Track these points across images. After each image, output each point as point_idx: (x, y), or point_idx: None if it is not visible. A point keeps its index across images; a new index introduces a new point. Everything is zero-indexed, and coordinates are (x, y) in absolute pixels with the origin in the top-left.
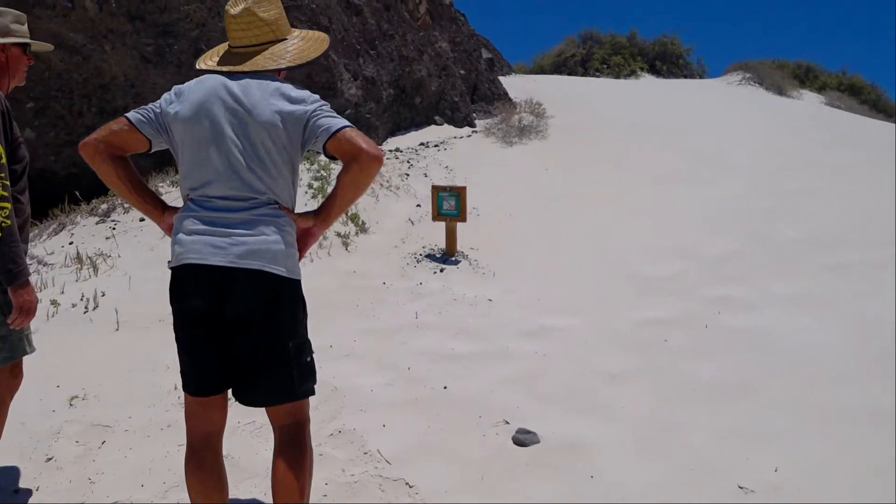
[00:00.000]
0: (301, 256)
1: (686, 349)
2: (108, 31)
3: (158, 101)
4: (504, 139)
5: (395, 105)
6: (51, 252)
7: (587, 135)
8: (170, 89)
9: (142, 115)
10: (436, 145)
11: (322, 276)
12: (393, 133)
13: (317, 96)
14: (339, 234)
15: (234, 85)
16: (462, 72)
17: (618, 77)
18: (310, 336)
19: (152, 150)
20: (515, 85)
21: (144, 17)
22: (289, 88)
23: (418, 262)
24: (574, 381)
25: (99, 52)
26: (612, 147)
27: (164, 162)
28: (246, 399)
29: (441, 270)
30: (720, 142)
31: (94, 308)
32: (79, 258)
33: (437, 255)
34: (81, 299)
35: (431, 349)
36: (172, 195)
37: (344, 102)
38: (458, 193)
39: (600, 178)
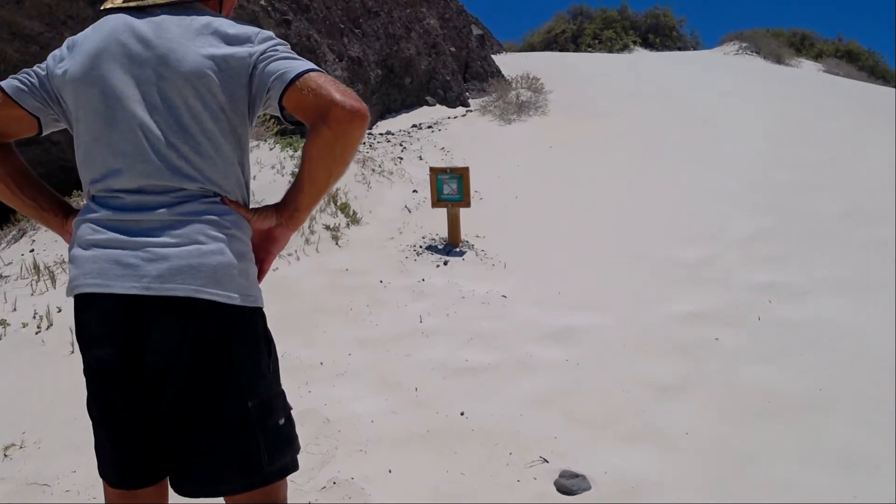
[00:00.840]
0: (262, 272)
1: (742, 350)
2: (68, 18)
3: (46, 60)
4: (502, 117)
5: (383, 86)
6: (8, 262)
7: (589, 109)
8: None
9: (21, 81)
10: (429, 126)
11: (309, 275)
12: (383, 116)
13: (269, 33)
14: (327, 227)
15: (144, 24)
16: (453, 49)
17: (610, 52)
18: (297, 349)
19: (44, 132)
20: (507, 62)
21: None
22: (225, 23)
23: (418, 254)
24: (616, 396)
25: (58, 41)
26: (617, 121)
27: None
28: (190, 488)
29: (445, 263)
30: (728, 112)
31: (48, 327)
32: (36, 268)
33: (440, 247)
34: (34, 317)
35: (441, 361)
36: None
37: None
38: (461, 175)
39: (608, 154)
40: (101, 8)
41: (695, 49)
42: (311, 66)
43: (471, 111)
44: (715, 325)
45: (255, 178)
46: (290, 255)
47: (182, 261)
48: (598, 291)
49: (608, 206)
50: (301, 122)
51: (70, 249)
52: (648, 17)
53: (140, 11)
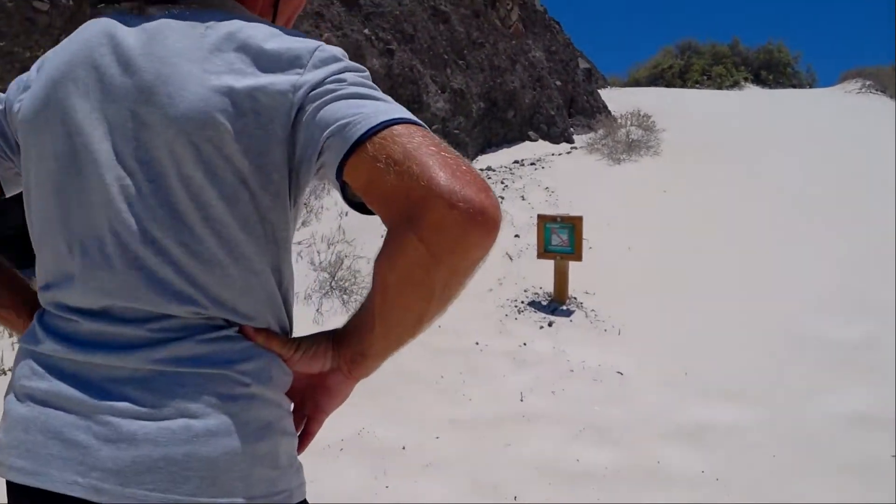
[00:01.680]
0: (307, 438)
1: None
2: None
3: (8, 88)
4: (610, 156)
5: (485, 119)
6: None
7: (705, 150)
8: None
9: None
10: (532, 163)
11: None
12: (483, 150)
13: (335, 50)
14: None
15: (132, 33)
16: (558, 83)
17: (720, 88)
18: (375, 424)
19: (7, 194)
20: (613, 98)
21: None
22: (263, 32)
23: (520, 311)
24: None
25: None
26: (738, 164)
27: None
28: None
29: (550, 324)
30: (864, 158)
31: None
32: None
33: (544, 303)
34: None
35: (547, 459)
36: None
37: (430, 117)
38: (572, 225)
39: (731, 201)
40: (91, 4)
41: (811, 87)
42: (399, 112)
43: (576, 148)
44: (891, 435)
45: (347, 213)
46: None
47: (157, 448)
48: (735, 374)
49: (739, 263)
50: (367, 206)
51: (5, 394)
52: (761, 52)
53: (138, 13)
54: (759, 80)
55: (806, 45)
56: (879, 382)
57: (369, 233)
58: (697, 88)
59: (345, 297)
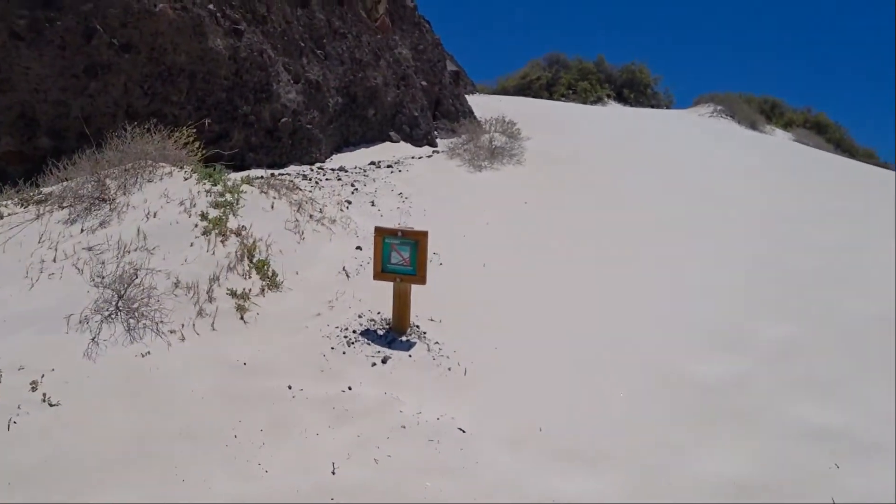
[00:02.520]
0: None
1: None
2: None
3: None
4: (472, 162)
5: (343, 116)
6: None
7: (569, 162)
8: (48, 76)
9: None
10: (389, 166)
11: (192, 370)
12: (339, 149)
13: None
14: (233, 293)
15: None
16: (424, 83)
17: (584, 102)
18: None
19: None
20: (480, 104)
21: None
22: None
23: (350, 343)
24: None
25: None
26: (601, 177)
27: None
28: None
29: (384, 361)
30: (720, 178)
31: None
32: None
33: (380, 332)
34: None
35: None
36: (16, 217)
37: (280, 108)
38: (416, 242)
39: (594, 218)
40: None
41: (668, 107)
42: None
43: (438, 152)
44: None
45: (155, 214)
46: (172, 332)
47: None
48: (595, 426)
49: (599, 290)
50: None
51: None
52: (624, 71)
53: None
54: (622, 98)
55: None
56: (750, 434)
57: (178, 239)
58: (562, 101)
59: (132, 321)
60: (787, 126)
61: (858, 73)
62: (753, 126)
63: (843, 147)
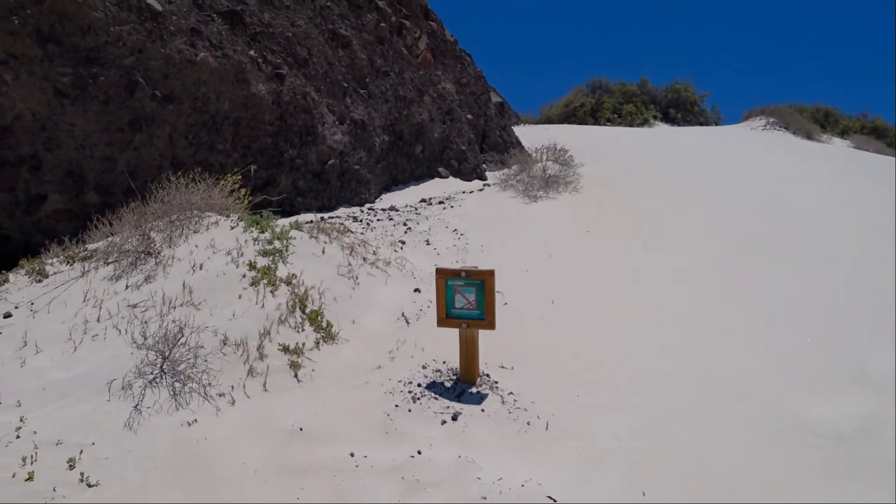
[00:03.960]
0: None
1: None
2: (10, 57)
3: None
4: (526, 192)
5: (390, 154)
6: None
7: (626, 185)
8: (93, 131)
9: None
10: (440, 202)
11: (241, 439)
12: (388, 188)
13: None
14: (285, 349)
15: None
16: (469, 116)
17: (630, 125)
18: None
19: None
20: (526, 134)
21: (60, 40)
22: None
23: (415, 399)
24: None
25: None
26: (662, 198)
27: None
28: None
29: (454, 418)
30: (790, 191)
31: None
32: None
33: (447, 384)
34: None
35: None
36: (62, 276)
37: (327, 150)
38: (482, 282)
39: (662, 241)
40: None
41: (717, 124)
42: None
43: (489, 185)
44: None
45: (201, 266)
46: (220, 395)
47: None
48: (709, 489)
49: (685, 321)
50: None
51: None
52: (669, 91)
53: None
54: (668, 118)
55: (710, 85)
56: (886, 487)
57: (226, 292)
58: (608, 125)
59: (177, 384)
60: (843, 134)
61: None
62: (809, 136)
63: None
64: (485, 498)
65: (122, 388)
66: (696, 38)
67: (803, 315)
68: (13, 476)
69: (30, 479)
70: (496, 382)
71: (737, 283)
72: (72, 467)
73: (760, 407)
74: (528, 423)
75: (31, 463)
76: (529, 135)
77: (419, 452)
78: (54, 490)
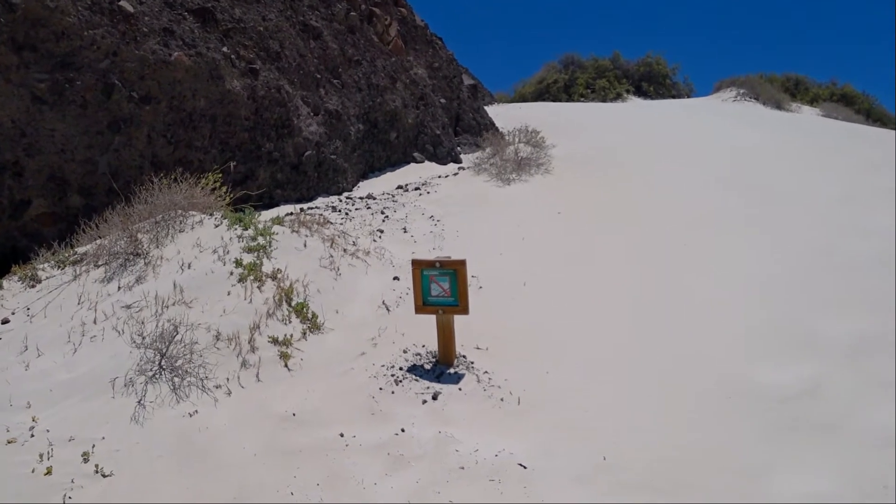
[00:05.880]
0: None
1: None
2: None
3: None
4: (499, 176)
5: (365, 142)
6: None
7: (597, 164)
8: (73, 135)
9: None
10: (416, 188)
11: (240, 427)
12: (365, 175)
13: None
14: (274, 340)
15: None
16: (442, 100)
17: (604, 101)
18: None
19: None
20: (500, 114)
21: (35, 46)
22: None
23: (398, 381)
24: None
25: None
26: (632, 175)
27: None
28: None
29: (434, 397)
30: (755, 165)
31: None
32: None
33: (427, 366)
34: None
35: None
36: (54, 280)
37: (303, 142)
38: (454, 271)
39: (631, 220)
40: None
41: (689, 96)
42: None
43: (463, 168)
44: None
45: (189, 265)
46: (217, 387)
47: None
48: (666, 453)
49: (649, 297)
50: None
51: None
52: (641, 65)
53: None
54: (641, 92)
55: (681, 57)
56: (831, 448)
57: (215, 289)
58: (582, 101)
59: (177, 380)
60: (812, 102)
61: (878, 36)
62: (779, 106)
63: (873, 116)
64: (462, 468)
65: (125, 386)
66: (667, 10)
67: (763, 287)
68: (32, 471)
69: (48, 473)
70: (472, 363)
71: (701, 259)
72: (86, 460)
73: (716, 376)
74: (502, 400)
75: (48, 458)
76: (503, 114)
77: (403, 430)
78: (72, 482)
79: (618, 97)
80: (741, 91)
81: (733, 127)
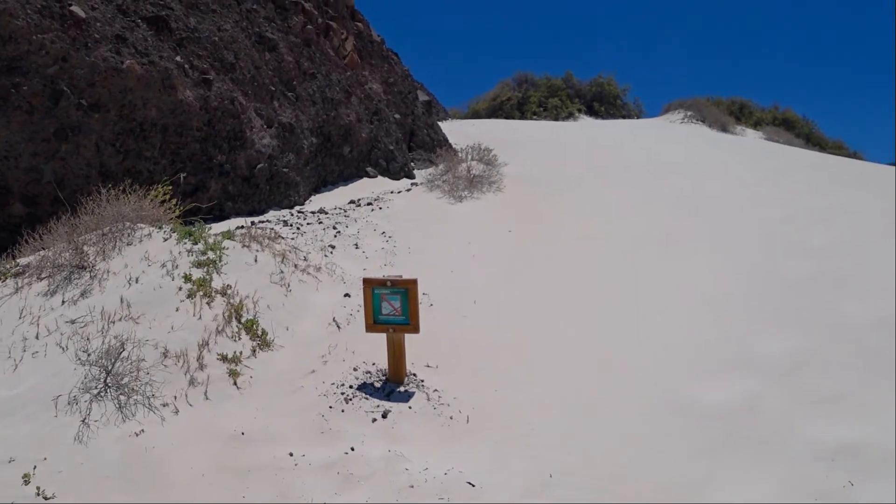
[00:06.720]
0: None
1: None
2: None
3: None
4: (452, 193)
5: (319, 156)
6: None
7: (548, 183)
8: (17, 141)
9: None
10: (369, 203)
11: (187, 446)
12: (318, 189)
13: None
14: (223, 358)
15: None
16: (397, 116)
17: (556, 119)
18: None
19: None
20: (454, 130)
21: None
22: None
23: (348, 399)
24: None
25: None
26: (581, 194)
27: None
28: None
29: (384, 416)
30: (702, 186)
31: None
32: None
33: (377, 384)
34: None
35: None
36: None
37: (256, 154)
38: (406, 290)
39: (580, 239)
40: None
41: (638, 117)
42: None
43: (416, 184)
44: None
45: (137, 280)
46: (164, 405)
47: None
48: (610, 468)
49: (594, 317)
50: None
51: None
52: (593, 85)
53: None
54: (592, 111)
55: (632, 79)
56: (766, 462)
57: (163, 305)
58: (534, 119)
59: (123, 398)
60: (756, 125)
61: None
62: (724, 128)
63: (812, 140)
64: (412, 487)
65: (69, 404)
66: (620, 32)
67: (706, 305)
68: None
69: None
70: (422, 381)
71: (646, 278)
72: (27, 482)
73: (659, 392)
74: (451, 418)
75: None
76: (457, 130)
77: (352, 449)
78: None
79: (570, 116)
80: (689, 113)
81: (679, 149)
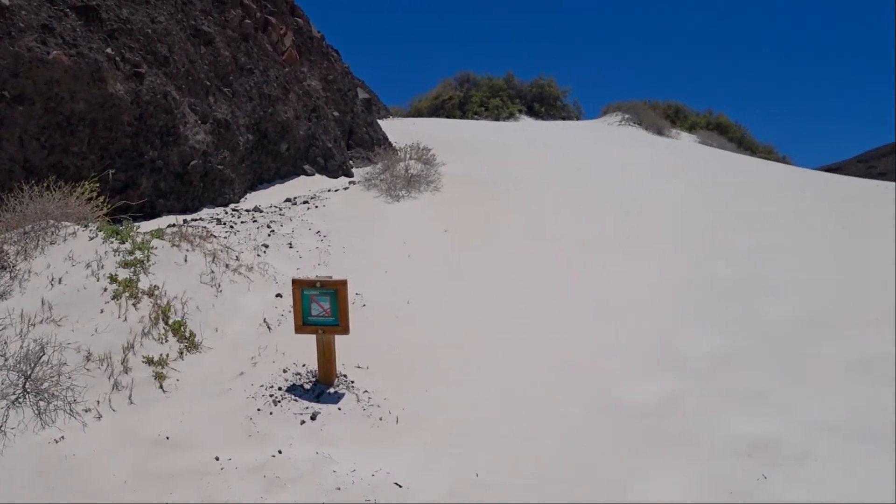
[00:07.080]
0: None
1: None
2: None
3: None
4: (389, 192)
5: (255, 153)
6: None
7: (486, 183)
8: None
9: None
10: (305, 202)
11: (110, 451)
12: (254, 186)
13: None
14: (149, 360)
15: None
16: (336, 113)
17: (497, 119)
18: None
19: None
20: (395, 128)
21: None
22: None
23: (276, 401)
24: None
25: None
26: (518, 196)
27: None
28: None
29: (313, 417)
30: (636, 189)
31: None
32: None
33: (307, 386)
34: None
35: None
36: None
37: (189, 151)
38: (335, 291)
39: (516, 241)
40: None
41: (578, 119)
42: None
43: (354, 183)
44: None
45: (60, 280)
46: (87, 410)
47: None
48: (535, 468)
49: (526, 319)
50: None
51: None
52: (534, 86)
53: None
54: (533, 112)
55: (573, 80)
56: (686, 459)
57: (87, 307)
58: (476, 118)
59: (42, 404)
60: (691, 129)
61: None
62: (660, 131)
63: (744, 145)
64: (339, 489)
65: None
66: (561, 34)
67: (636, 306)
68: None
69: None
70: (353, 382)
71: (581, 278)
72: None
73: (588, 391)
74: (381, 419)
75: None
76: (398, 129)
77: (280, 452)
78: None
79: (510, 116)
80: (626, 116)
81: (614, 151)
